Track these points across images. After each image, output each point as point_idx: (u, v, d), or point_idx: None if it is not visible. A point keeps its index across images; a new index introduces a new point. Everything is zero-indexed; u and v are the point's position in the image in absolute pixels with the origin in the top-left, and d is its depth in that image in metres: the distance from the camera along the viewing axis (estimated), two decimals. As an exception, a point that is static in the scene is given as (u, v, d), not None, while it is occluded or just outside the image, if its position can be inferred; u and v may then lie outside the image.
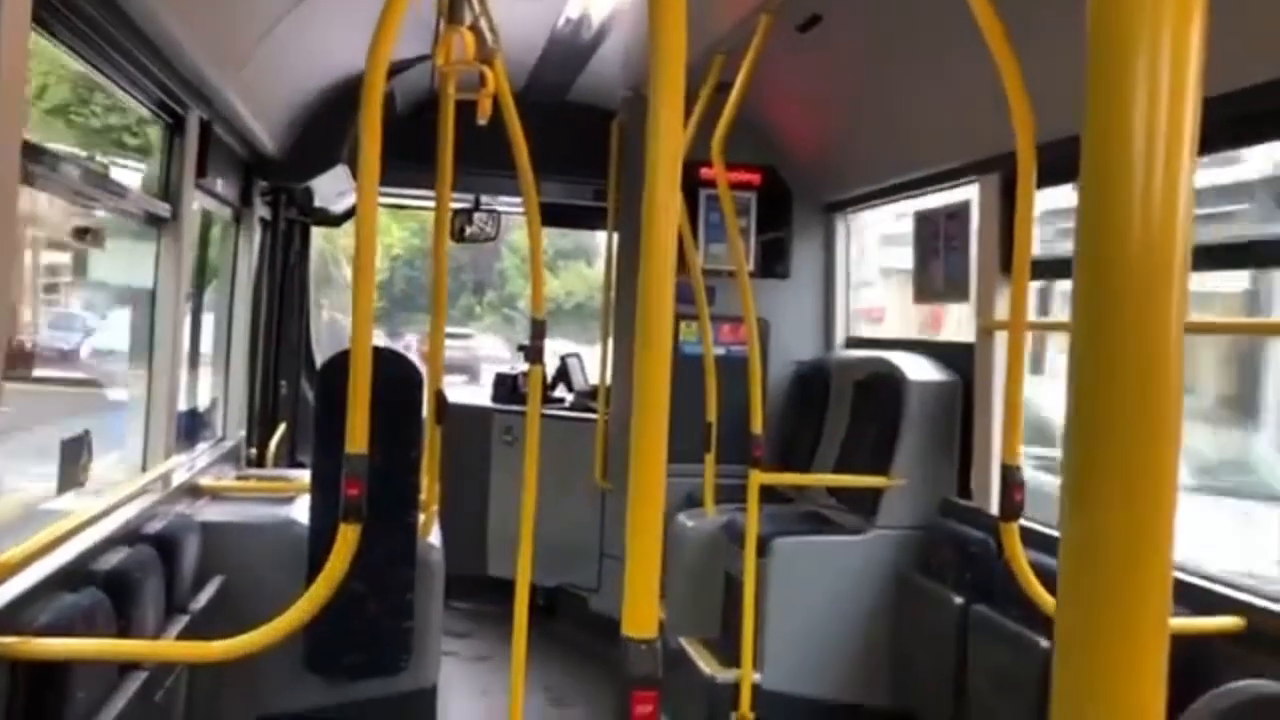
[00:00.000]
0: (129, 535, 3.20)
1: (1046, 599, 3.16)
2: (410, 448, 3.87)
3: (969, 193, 4.68)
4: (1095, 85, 0.72)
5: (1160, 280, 0.70)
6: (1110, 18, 0.71)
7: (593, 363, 7.12)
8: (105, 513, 3.11)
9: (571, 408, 7.06)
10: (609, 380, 6.36)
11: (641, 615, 1.50)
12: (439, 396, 4.26)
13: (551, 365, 7.22)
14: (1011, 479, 3.19)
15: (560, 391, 7.32)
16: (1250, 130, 3.15)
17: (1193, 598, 3.10)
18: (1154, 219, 0.70)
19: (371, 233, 2.64)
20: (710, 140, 4.51)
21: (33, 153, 2.55)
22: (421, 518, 4.02)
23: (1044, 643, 3.45)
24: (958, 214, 4.75)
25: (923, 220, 5.07)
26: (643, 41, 5.35)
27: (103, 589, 2.72)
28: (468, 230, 6.95)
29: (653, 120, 1.49)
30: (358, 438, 2.54)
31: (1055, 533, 2.97)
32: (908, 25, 4.31)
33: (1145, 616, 0.71)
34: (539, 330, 3.79)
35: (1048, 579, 3.22)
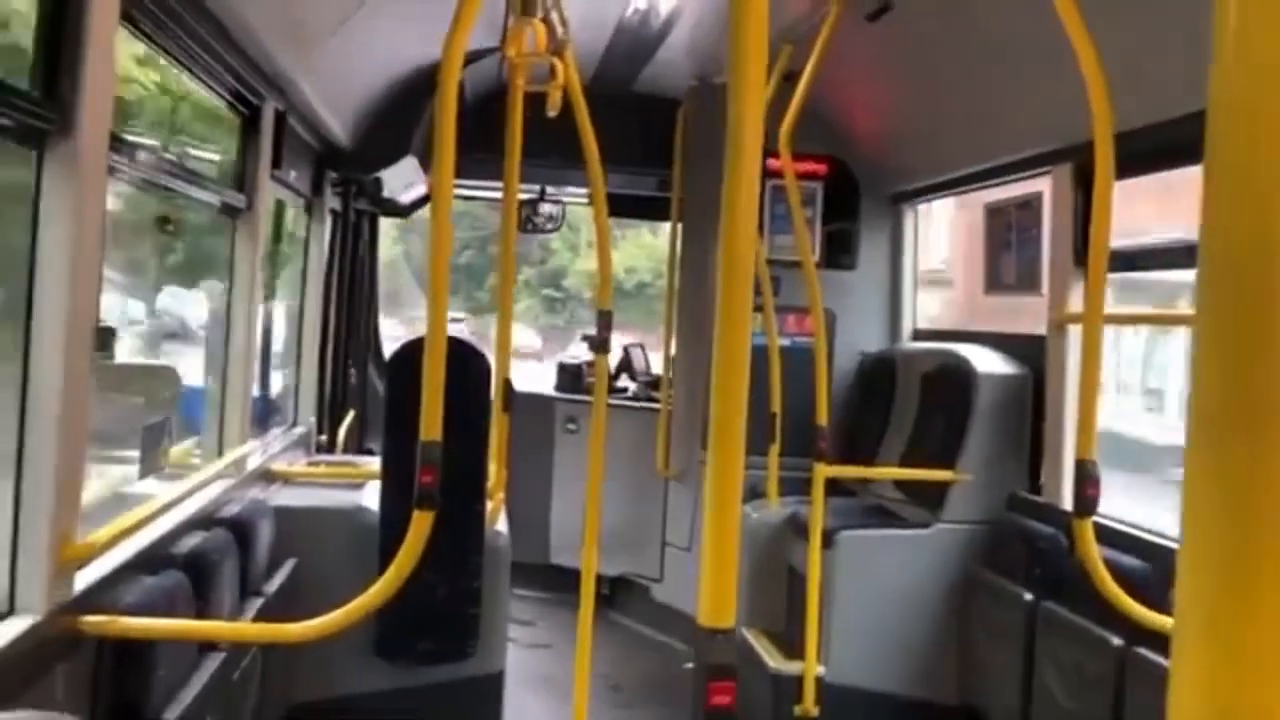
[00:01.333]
0: (206, 519, 3.28)
1: (1120, 596, 3.11)
2: (478, 436, 3.91)
3: (1040, 183, 4.60)
4: (1222, 60, 0.69)
5: None
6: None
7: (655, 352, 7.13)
8: (183, 497, 3.18)
9: (634, 397, 7.08)
10: (672, 370, 6.37)
11: (719, 606, 1.51)
12: (506, 385, 4.30)
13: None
14: (1086, 474, 3.14)
15: (623, 381, 7.34)
16: None
17: None
18: None
19: (447, 225, 2.67)
20: (777, 130, 4.49)
21: (116, 144, 2.61)
22: (489, 505, 4.06)
23: (1116, 640, 3.39)
24: (1029, 204, 4.68)
25: (994, 212, 5.00)
26: (710, 31, 5.34)
27: (182, 571, 2.79)
28: (534, 221, 6.99)
29: (733, 111, 1.49)
30: (432, 425, 2.58)
31: (1130, 529, 2.92)
32: (978, 12, 4.24)
33: (1270, 625, 0.68)
34: (605, 321, 3.81)
35: (1121, 576, 3.17)
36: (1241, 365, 0.68)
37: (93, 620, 2.32)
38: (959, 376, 4.84)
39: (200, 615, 2.82)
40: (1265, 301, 0.68)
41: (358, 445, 6.10)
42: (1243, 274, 0.68)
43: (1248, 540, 0.68)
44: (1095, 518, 3.21)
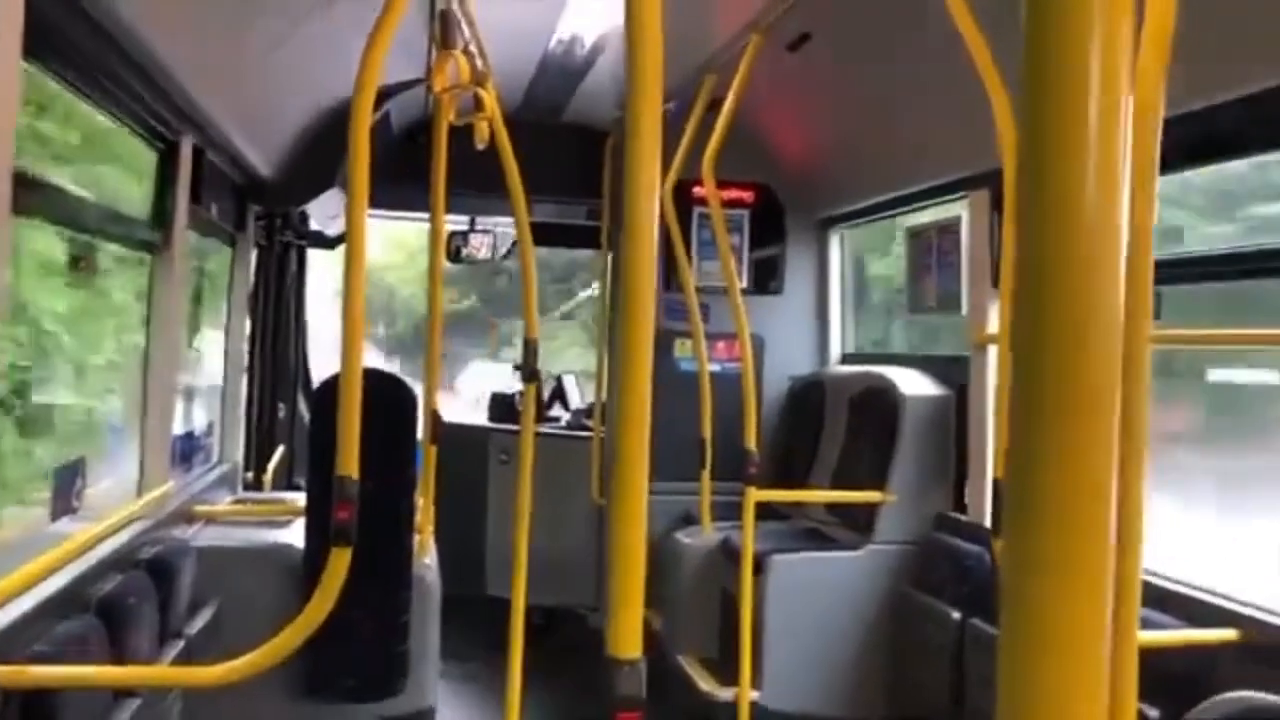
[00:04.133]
0: (123, 560, 3.20)
1: None
2: (405, 469, 3.88)
3: (962, 208, 4.70)
4: (1031, 101, 0.74)
5: (1092, 294, 0.71)
6: (1044, 29, 0.73)
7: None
8: (99, 538, 3.11)
9: (568, 426, 7.07)
10: (604, 397, 6.37)
11: (626, 635, 1.50)
12: (434, 417, 4.27)
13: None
14: (1003, 492, 3.20)
15: (556, 410, 7.33)
16: (1210, 149, 3.22)
17: (1189, 609, 3.10)
18: (1085, 236, 0.71)
19: (361, 254, 2.66)
20: (702, 159, 4.53)
21: (23, 181, 2.56)
22: (417, 539, 4.02)
23: None
24: (949, 228, 4.78)
25: (915, 235, 5.10)
26: None
27: (96, 615, 2.72)
28: (464, 251, 6.98)
29: (631, 144, 1.50)
30: (348, 460, 2.55)
31: None
32: (896, 43, 4.33)
33: (1082, 628, 0.72)
34: (532, 350, 3.81)
35: None
36: (1047, 371, 0.72)
37: None
38: (885, 398, 4.90)
39: (116, 660, 2.74)
40: (1069, 320, 0.72)
41: (287, 481, 6.01)
42: (1046, 296, 0.72)
43: (1062, 527, 0.72)
44: None
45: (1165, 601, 3.13)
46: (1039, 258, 0.72)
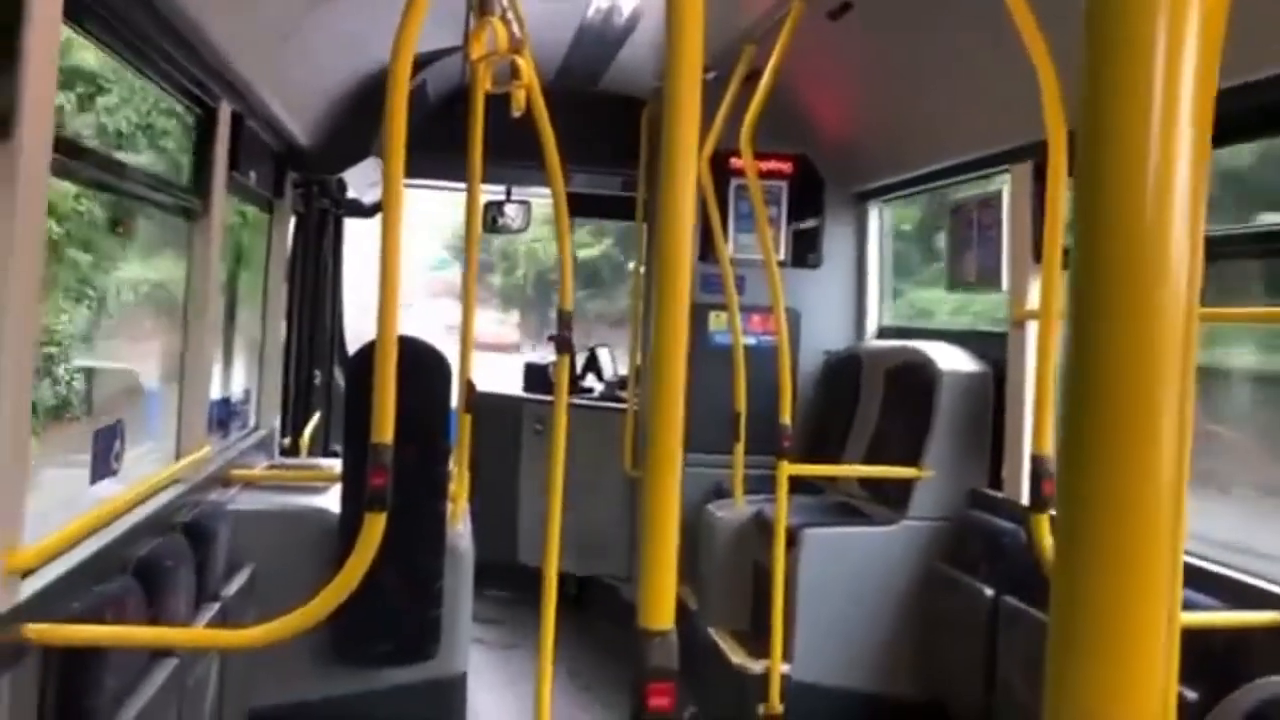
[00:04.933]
0: (160, 523, 3.24)
1: None
2: (439, 436, 3.90)
3: (1002, 181, 4.63)
4: (1091, 70, 0.72)
5: (1156, 270, 0.69)
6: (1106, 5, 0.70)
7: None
8: (137, 501, 3.15)
9: (601, 397, 7.07)
10: (639, 369, 6.36)
11: (658, 606, 1.49)
12: (469, 386, 4.28)
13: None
14: (1041, 469, 3.16)
15: (590, 381, 7.34)
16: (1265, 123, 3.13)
17: (1231, 591, 3.06)
18: (1148, 210, 0.69)
19: (397, 222, 2.66)
20: (740, 129, 4.49)
21: (64, 146, 2.58)
22: (451, 506, 4.05)
23: None
24: (990, 202, 4.71)
25: (956, 209, 5.03)
26: None
27: (134, 576, 2.75)
28: (500, 221, 6.98)
29: (670, 115, 1.48)
30: (383, 427, 2.57)
31: None
32: (939, 11, 4.26)
33: (1141, 615, 0.70)
34: (566, 321, 3.81)
35: None
36: (1109, 366, 0.70)
37: (37, 628, 2.29)
38: (922, 373, 4.86)
39: (153, 621, 2.78)
40: (1131, 299, 0.70)
41: (323, 448, 6.06)
42: (1108, 273, 0.70)
43: (1118, 517, 0.70)
44: (1052, 512, 3.23)
45: (1204, 582, 3.09)
46: (1100, 229, 0.70)
